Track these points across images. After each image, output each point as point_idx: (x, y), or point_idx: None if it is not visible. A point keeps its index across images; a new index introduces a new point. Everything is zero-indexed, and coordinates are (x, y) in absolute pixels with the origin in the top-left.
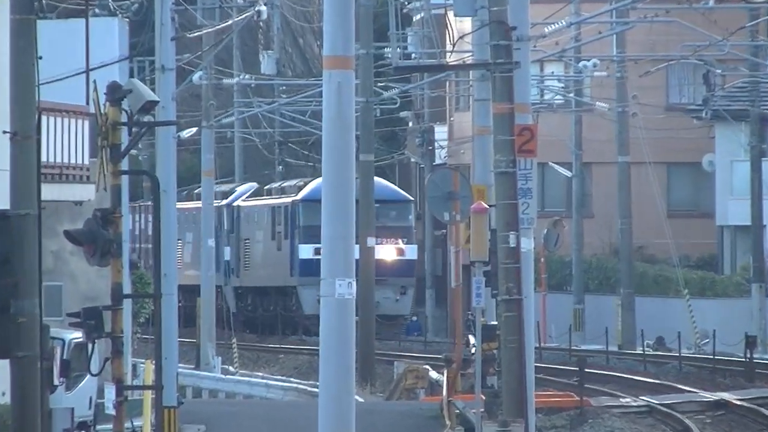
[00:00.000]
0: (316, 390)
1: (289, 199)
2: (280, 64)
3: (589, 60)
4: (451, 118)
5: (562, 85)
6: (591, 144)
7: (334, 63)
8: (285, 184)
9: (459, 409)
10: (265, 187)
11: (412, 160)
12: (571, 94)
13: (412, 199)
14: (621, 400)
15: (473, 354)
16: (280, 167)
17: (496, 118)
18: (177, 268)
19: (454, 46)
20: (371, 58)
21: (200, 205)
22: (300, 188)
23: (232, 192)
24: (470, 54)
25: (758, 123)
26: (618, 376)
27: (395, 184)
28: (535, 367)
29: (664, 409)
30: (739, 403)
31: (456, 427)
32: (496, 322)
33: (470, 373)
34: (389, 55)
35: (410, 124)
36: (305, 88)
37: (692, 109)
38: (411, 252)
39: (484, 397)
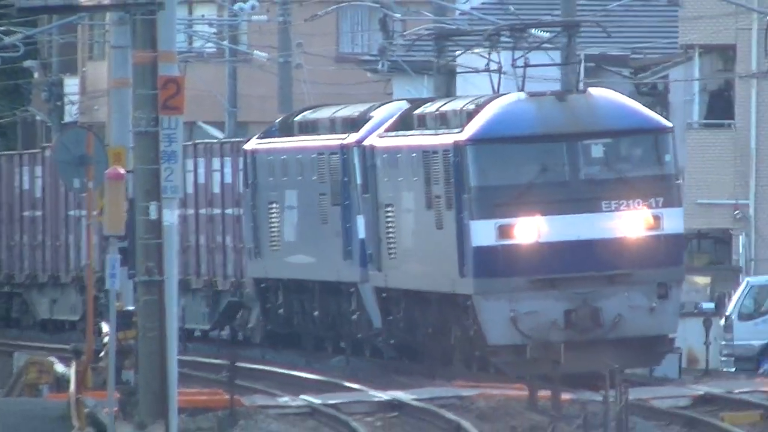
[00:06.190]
0: None
1: (450, 139)
2: None
3: (246, 1)
4: (84, 69)
5: (215, 30)
6: (248, 100)
7: None
8: (446, 107)
9: (89, 408)
10: (416, 112)
11: (38, 117)
12: (225, 42)
13: (671, 126)
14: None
15: (106, 345)
16: None
17: (137, 68)
18: (273, 249)
19: None
20: None
21: (322, 143)
22: (470, 115)
23: (365, 118)
24: None
25: (443, 76)
26: (275, 372)
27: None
28: (180, 360)
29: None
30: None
31: (86, 428)
32: (133, 308)
33: (102, 367)
34: None
35: (36, 75)
36: None
37: (366, 60)
38: (674, 221)
39: (118, 395)
